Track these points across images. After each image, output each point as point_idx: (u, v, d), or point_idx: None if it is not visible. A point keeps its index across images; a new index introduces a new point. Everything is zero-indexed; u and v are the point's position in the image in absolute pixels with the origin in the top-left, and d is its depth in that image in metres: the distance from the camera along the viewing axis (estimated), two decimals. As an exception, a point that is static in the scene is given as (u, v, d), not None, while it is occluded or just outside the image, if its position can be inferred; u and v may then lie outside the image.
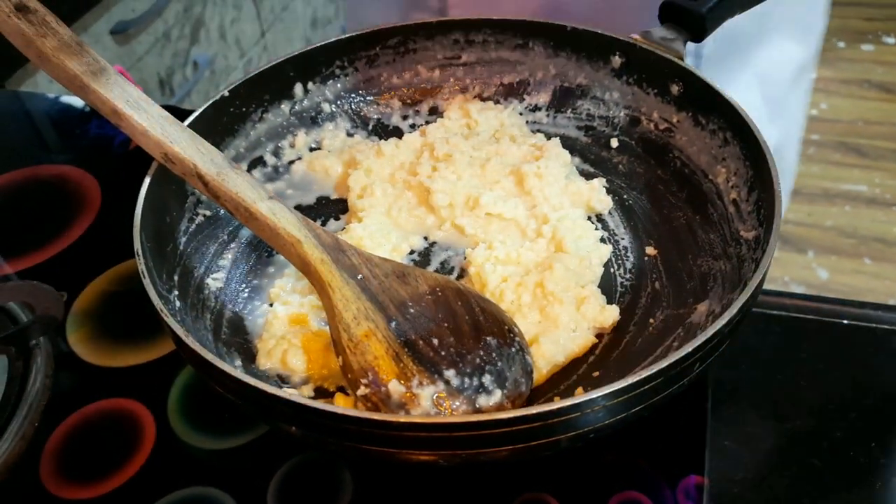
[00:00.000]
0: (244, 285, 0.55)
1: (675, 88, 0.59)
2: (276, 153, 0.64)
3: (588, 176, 0.61)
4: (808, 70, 0.88)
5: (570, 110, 0.66)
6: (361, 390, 0.44)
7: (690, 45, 0.71)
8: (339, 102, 0.66)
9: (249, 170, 0.62)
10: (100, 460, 0.51)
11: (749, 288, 0.42)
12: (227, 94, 0.60)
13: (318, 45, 0.64)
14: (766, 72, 0.81)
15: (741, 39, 0.76)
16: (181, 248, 0.54)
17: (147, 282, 0.45)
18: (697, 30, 0.59)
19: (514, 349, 0.46)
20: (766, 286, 0.46)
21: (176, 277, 0.52)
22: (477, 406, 0.43)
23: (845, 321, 0.55)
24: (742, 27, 0.74)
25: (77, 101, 0.82)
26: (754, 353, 0.54)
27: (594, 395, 0.38)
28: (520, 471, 0.48)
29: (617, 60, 0.62)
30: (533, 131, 0.65)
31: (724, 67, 0.75)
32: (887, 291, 1.77)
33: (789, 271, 1.81)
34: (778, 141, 0.85)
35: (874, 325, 0.54)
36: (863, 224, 1.92)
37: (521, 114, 0.66)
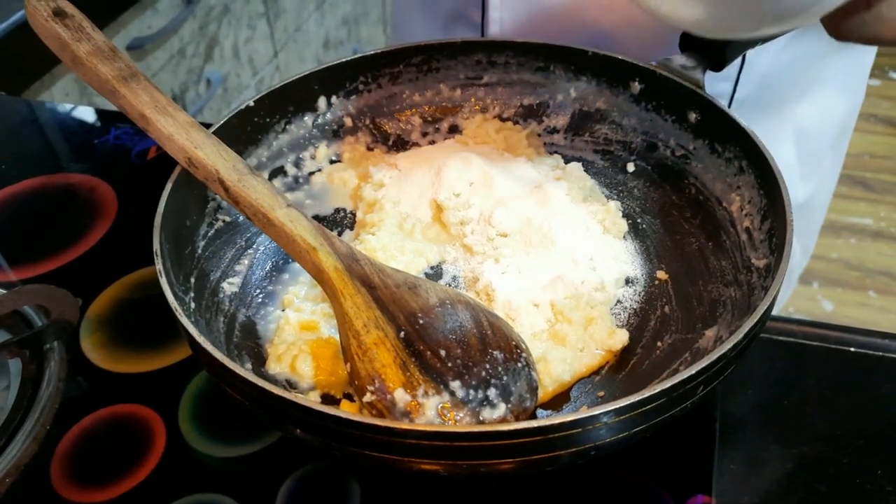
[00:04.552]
0: (259, 291, 0.56)
1: (692, 116, 0.60)
2: (297, 164, 0.65)
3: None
4: (848, 130, 0.86)
5: (587, 134, 0.66)
6: (367, 397, 0.44)
7: (724, 87, 0.72)
8: (360, 117, 0.67)
9: (270, 179, 0.63)
10: (110, 465, 0.51)
11: (757, 313, 0.43)
12: (252, 104, 0.61)
13: (344, 60, 0.65)
14: (805, 127, 0.78)
15: (780, 90, 0.74)
16: (199, 251, 0.55)
17: (164, 281, 0.46)
18: (717, 59, 0.59)
19: (520, 365, 0.46)
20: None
21: (192, 280, 0.52)
22: (481, 419, 0.43)
23: (852, 349, 0.55)
24: (783, 77, 0.73)
25: (94, 113, 0.84)
26: (762, 378, 0.54)
27: (596, 412, 0.38)
28: (527, 485, 0.48)
29: (636, 87, 0.63)
30: (550, 153, 0.66)
31: (759, 115, 0.72)
32: (892, 325, 1.76)
33: (794, 303, 1.80)
34: (808, 198, 0.83)
35: (881, 353, 0.54)
36: (868, 257, 1.92)
37: (539, 135, 0.67)
